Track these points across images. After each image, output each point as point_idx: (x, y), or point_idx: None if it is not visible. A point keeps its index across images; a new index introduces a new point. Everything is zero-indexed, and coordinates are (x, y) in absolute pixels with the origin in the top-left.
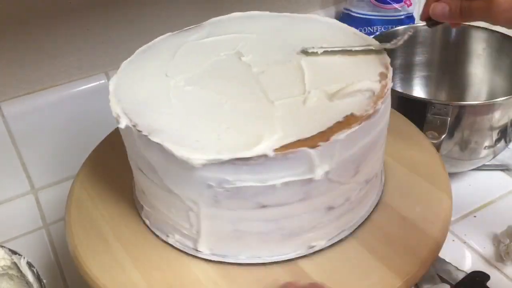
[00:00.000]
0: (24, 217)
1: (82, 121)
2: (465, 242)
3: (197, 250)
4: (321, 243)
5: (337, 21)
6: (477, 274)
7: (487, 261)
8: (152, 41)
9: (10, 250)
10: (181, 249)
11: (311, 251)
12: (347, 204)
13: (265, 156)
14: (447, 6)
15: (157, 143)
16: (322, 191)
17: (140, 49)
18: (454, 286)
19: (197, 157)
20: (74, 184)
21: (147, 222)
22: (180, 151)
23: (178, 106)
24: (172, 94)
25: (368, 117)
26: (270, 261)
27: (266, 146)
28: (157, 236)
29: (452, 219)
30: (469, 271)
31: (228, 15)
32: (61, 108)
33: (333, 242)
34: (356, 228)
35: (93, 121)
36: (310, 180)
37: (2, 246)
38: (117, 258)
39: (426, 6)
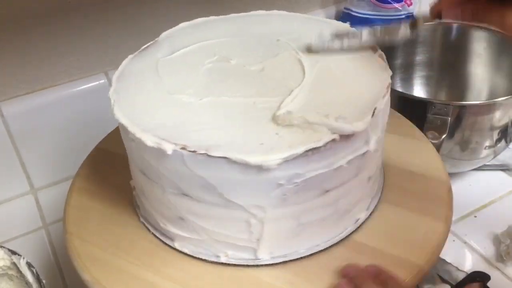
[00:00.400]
0: (23, 217)
1: (82, 121)
2: (465, 242)
3: (256, 259)
4: (363, 215)
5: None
6: (477, 274)
7: (487, 261)
8: (120, 67)
9: (9, 250)
10: (237, 263)
11: (358, 224)
12: (378, 172)
13: (333, 140)
14: (460, 10)
15: (222, 157)
16: (369, 162)
17: (115, 77)
18: (455, 286)
19: (272, 158)
20: (72, 185)
21: (186, 250)
22: (252, 158)
23: (212, 118)
24: (195, 110)
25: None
26: (328, 245)
27: None
28: (202, 259)
29: (453, 219)
30: (469, 271)
31: (178, 26)
32: (61, 108)
33: (370, 211)
34: (380, 193)
35: (92, 121)
36: (365, 153)
37: (1, 247)
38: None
39: (438, 5)
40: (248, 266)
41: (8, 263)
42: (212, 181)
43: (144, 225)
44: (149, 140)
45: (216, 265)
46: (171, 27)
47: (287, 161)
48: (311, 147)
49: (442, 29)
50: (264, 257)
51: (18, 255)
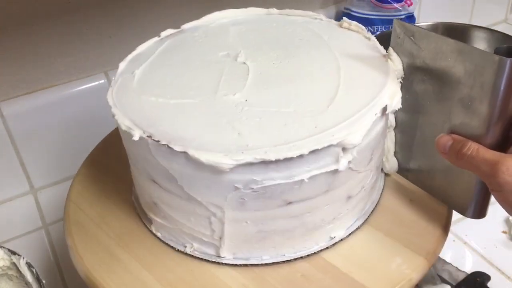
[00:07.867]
0: (23, 217)
1: (82, 121)
2: (465, 243)
3: (219, 256)
4: (340, 233)
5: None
6: (477, 275)
7: (487, 261)
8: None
9: (9, 250)
10: (201, 257)
11: (332, 242)
12: (362, 192)
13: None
14: (451, 140)
15: (181, 151)
16: (344, 181)
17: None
18: (455, 287)
19: (225, 161)
20: (72, 186)
21: (159, 234)
22: (207, 157)
23: (193, 116)
24: (186, 109)
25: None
26: (294, 257)
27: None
28: (171, 247)
29: (453, 219)
30: (469, 272)
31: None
32: (61, 108)
33: (351, 230)
34: (369, 215)
35: (92, 121)
36: (335, 172)
37: (1, 247)
38: (132, 273)
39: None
40: (211, 262)
41: (7, 263)
42: (173, 172)
43: (139, 216)
44: (123, 124)
45: (183, 255)
46: (171, 27)
47: (241, 166)
48: (269, 159)
49: (442, 29)
50: (227, 256)
51: (18, 255)
